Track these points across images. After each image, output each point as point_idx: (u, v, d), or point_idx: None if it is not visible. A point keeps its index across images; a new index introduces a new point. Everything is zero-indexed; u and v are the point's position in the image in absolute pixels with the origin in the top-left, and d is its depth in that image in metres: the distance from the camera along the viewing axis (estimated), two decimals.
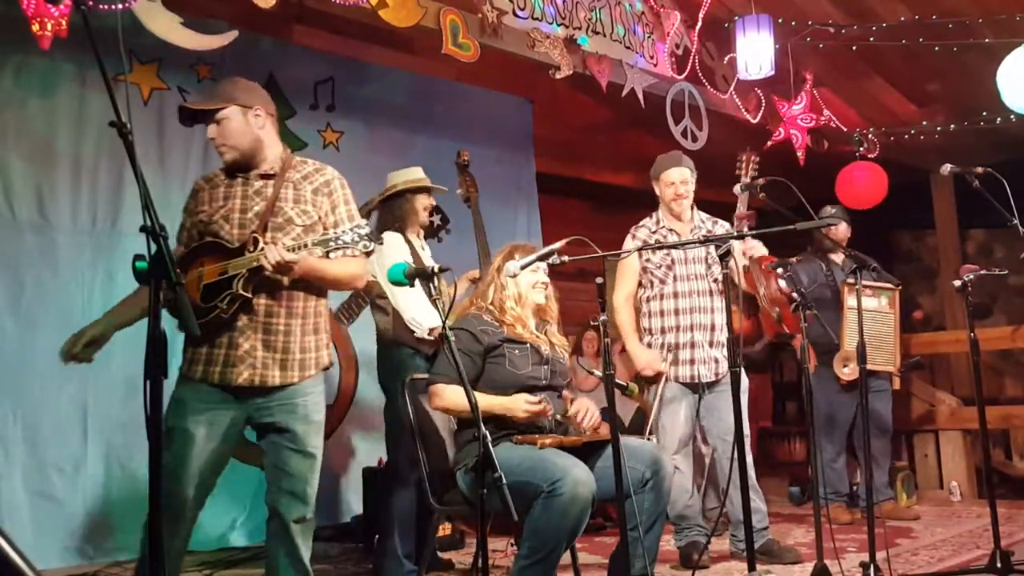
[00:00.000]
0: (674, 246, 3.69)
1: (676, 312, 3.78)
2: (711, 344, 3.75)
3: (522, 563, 2.63)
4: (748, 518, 2.71)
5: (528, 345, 2.99)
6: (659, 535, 2.88)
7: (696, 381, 3.73)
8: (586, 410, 3.00)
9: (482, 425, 2.30)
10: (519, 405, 2.85)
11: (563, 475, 2.56)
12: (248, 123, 2.61)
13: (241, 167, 2.63)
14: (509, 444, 2.80)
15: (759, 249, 3.78)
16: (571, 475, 2.56)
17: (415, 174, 3.86)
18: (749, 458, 3.65)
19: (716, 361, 3.75)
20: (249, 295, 2.49)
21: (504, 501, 2.24)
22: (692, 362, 3.75)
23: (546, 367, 3.01)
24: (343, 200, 2.68)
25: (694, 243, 3.38)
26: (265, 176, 2.63)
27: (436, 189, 3.89)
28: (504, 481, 2.25)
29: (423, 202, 3.80)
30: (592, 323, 2.64)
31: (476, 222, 4.21)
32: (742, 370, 3.32)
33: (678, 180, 3.85)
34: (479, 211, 4.23)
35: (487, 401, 2.81)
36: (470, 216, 4.58)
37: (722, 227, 3.92)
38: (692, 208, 3.92)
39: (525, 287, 3.06)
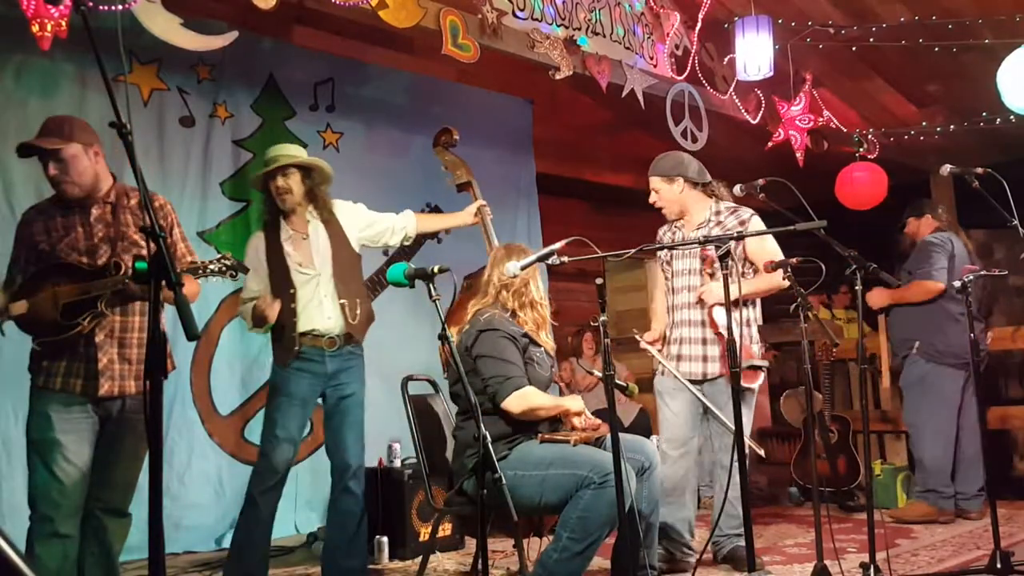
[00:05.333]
0: (673, 247, 3.68)
1: (674, 308, 3.73)
2: (703, 342, 3.64)
3: (559, 555, 2.67)
4: (748, 519, 2.71)
5: (542, 347, 3.08)
6: (656, 527, 3.01)
7: (689, 379, 3.61)
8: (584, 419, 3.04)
9: (482, 426, 2.32)
10: (578, 405, 2.97)
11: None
12: (90, 160, 2.78)
13: (80, 200, 2.79)
14: (534, 442, 2.87)
15: (710, 295, 3.56)
16: (626, 470, 2.67)
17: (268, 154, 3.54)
18: None
19: (705, 360, 3.63)
20: (109, 313, 2.72)
21: (505, 501, 2.27)
22: (679, 358, 3.66)
23: (554, 369, 3.08)
24: (177, 223, 2.95)
25: (693, 244, 3.38)
26: (103, 204, 2.82)
27: (277, 167, 3.43)
28: (504, 482, 2.28)
29: (272, 187, 3.45)
30: (592, 323, 2.65)
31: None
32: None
33: (651, 188, 3.79)
34: (479, 196, 4.06)
35: (556, 402, 2.97)
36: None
37: (735, 218, 3.69)
38: (712, 203, 3.76)
39: (543, 291, 3.12)
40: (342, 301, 3.41)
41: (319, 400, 3.48)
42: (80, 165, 2.76)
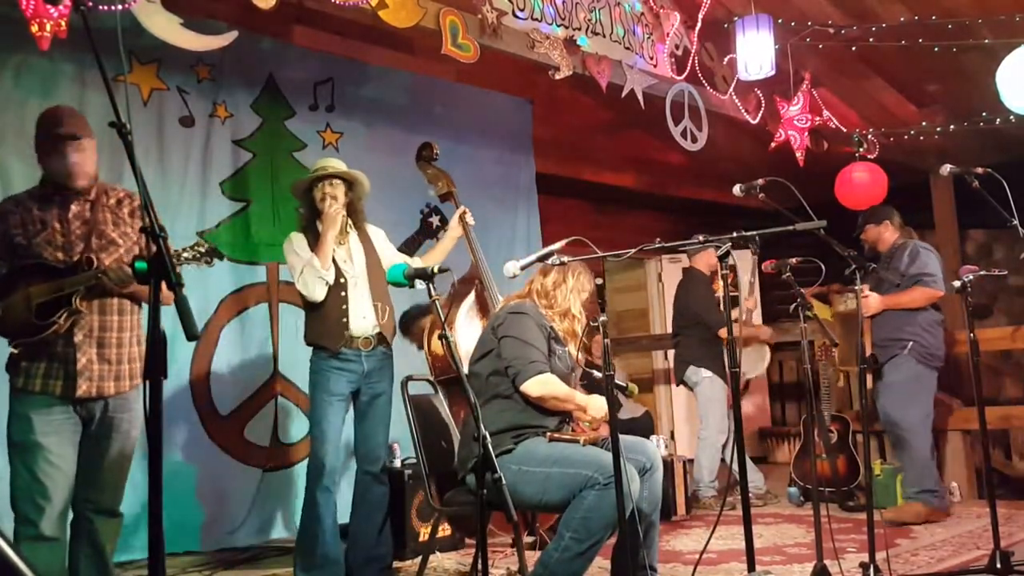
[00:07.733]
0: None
1: None
2: None
3: (561, 555, 2.66)
4: (748, 519, 2.71)
5: (567, 349, 3.08)
6: (657, 527, 2.99)
7: None
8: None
9: (482, 426, 2.33)
10: (598, 405, 2.95)
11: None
12: (95, 155, 2.83)
13: (71, 191, 2.78)
14: (542, 439, 2.85)
15: None
16: (628, 470, 2.67)
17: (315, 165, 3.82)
18: None
19: None
20: (84, 310, 2.67)
21: (504, 500, 2.28)
22: None
23: (572, 374, 3.08)
24: None
25: (693, 243, 3.38)
26: (83, 201, 2.79)
27: (323, 175, 3.68)
28: (504, 482, 2.29)
29: (318, 193, 3.67)
30: (592, 323, 2.65)
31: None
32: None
33: None
34: (459, 203, 4.21)
35: (570, 394, 2.95)
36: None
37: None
38: None
39: (585, 304, 3.12)
40: (376, 303, 3.64)
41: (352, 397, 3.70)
42: (94, 157, 2.82)
